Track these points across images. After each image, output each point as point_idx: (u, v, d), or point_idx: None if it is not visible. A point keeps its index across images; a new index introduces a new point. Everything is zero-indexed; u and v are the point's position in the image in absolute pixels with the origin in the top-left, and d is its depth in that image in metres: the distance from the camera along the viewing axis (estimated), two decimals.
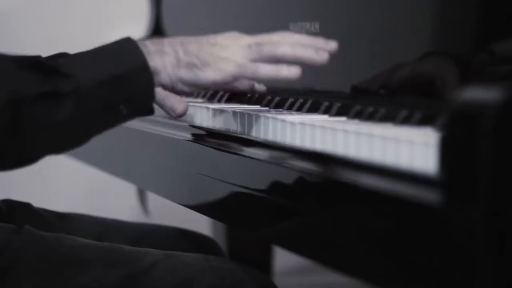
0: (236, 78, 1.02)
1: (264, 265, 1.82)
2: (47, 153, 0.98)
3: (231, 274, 1.06)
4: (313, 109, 1.09)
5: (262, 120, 1.03)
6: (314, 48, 1.02)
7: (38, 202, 1.28)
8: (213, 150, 1.06)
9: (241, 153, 1.01)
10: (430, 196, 0.69)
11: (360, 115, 1.00)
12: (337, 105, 1.06)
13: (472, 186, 0.65)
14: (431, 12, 1.01)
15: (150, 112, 1.02)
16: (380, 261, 0.75)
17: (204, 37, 1.04)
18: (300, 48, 1.02)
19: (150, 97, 0.99)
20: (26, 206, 1.25)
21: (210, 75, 1.01)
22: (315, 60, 1.02)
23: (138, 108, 1.00)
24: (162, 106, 1.09)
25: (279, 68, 1.01)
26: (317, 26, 1.18)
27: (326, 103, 1.08)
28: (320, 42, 1.03)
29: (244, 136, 1.06)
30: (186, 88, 1.03)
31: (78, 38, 2.20)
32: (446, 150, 0.68)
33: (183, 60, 1.00)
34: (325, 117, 1.05)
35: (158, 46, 1.01)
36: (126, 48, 0.99)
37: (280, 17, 1.26)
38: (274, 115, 1.02)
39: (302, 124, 0.95)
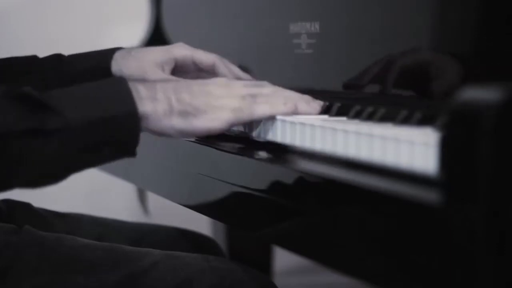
0: (233, 125, 1.00)
1: (264, 265, 1.82)
2: (22, 186, 0.96)
3: (231, 274, 1.06)
4: None
5: (262, 119, 1.03)
6: (304, 101, 1.04)
7: (38, 202, 1.28)
8: (213, 150, 1.06)
9: (241, 153, 1.01)
10: (430, 196, 0.69)
11: (360, 115, 1.00)
12: (337, 105, 1.06)
13: (472, 186, 0.65)
14: (431, 12, 1.01)
15: (133, 155, 0.99)
16: (380, 261, 0.75)
17: (195, 83, 1.01)
18: (293, 102, 1.02)
19: (134, 142, 0.96)
20: (26, 206, 1.25)
21: (205, 123, 0.98)
22: (309, 112, 1.03)
23: (121, 151, 0.97)
24: None
25: (275, 105, 1.01)
26: (317, 26, 1.18)
27: (326, 103, 1.08)
28: (308, 97, 1.05)
29: (244, 136, 1.06)
30: (177, 136, 1.00)
31: (78, 38, 2.20)
32: (446, 150, 0.68)
33: (176, 108, 0.97)
34: (325, 117, 1.05)
35: (151, 91, 0.97)
36: (118, 92, 0.96)
37: (280, 17, 1.26)
38: None
39: (302, 124, 0.95)
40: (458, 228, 0.66)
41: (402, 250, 0.72)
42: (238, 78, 1.24)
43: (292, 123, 0.97)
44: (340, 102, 1.06)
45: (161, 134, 0.99)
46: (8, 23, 2.32)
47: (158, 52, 1.26)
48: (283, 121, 0.99)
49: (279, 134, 0.99)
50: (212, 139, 1.10)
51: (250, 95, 1.01)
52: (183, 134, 0.99)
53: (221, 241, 1.76)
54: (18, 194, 1.25)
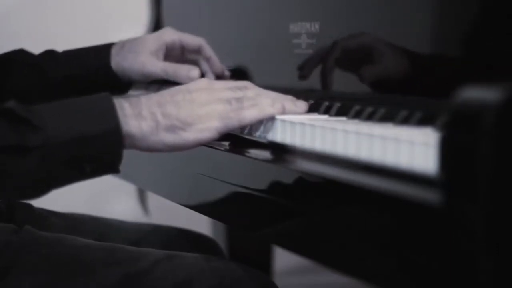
0: (222, 133, 1.00)
1: (264, 265, 1.82)
2: (1, 199, 0.95)
3: (231, 274, 1.06)
4: (313, 109, 1.09)
5: (262, 120, 1.03)
6: (290, 101, 1.04)
7: (38, 202, 1.27)
8: (213, 150, 1.06)
9: (241, 153, 1.01)
10: (430, 196, 0.69)
11: (360, 115, 1.00)
12: (337, 105, 1.06)
13: (472, 186, 0.65)
14: (431, 12, 1.01)
15: (116, 172, 0.98)
16: (380, 261, 0.75)
17: (178, 92, 1.00)
18: (279, 102, 1.02)
19: (116, 160, 0.96)
20: (26, 206, 1.25)
21: (195, 135, 0.98)
22: (296, 112, 1.03)
23: (104, 169, 0.97)
24: (176, 78, 1.23)
25: (263, 108, 1.01)
26: (317, 26, 1.18)
27: (326, 103, 1.08)
28: (292, 98, 1.06)
29: (244, 136, 1.06)
30: (166, 150, 0.99)
31: (78, 38, 2.20)
32: (446, 150, 0.68)
33: (162, 123, 0.97)
34: (325, 117, 1.05)
35: (136, 109, 0.97)
36: (102, 109, 0.95)
37: (280, 17, 1.26)
38: None
39: (302, 124, 0.95)
40: (458, 228, 0.66)
41: (402, 250, 0.72)
42: (218, 67, 1.33)
43: (292, 123, 0.97)
44: (340, 102, 1.06)
45: (150, 150, 0.98)
46: (8, 23, 2.32)
47: (150, 41, 1.31)
48: (283, 121, 0.99)
49: (279, 134, 0.99)
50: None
51: (235, 98, 1.01)
52: (174, 148, 0.98)
53: (221, 241, 1.76)
54: None
